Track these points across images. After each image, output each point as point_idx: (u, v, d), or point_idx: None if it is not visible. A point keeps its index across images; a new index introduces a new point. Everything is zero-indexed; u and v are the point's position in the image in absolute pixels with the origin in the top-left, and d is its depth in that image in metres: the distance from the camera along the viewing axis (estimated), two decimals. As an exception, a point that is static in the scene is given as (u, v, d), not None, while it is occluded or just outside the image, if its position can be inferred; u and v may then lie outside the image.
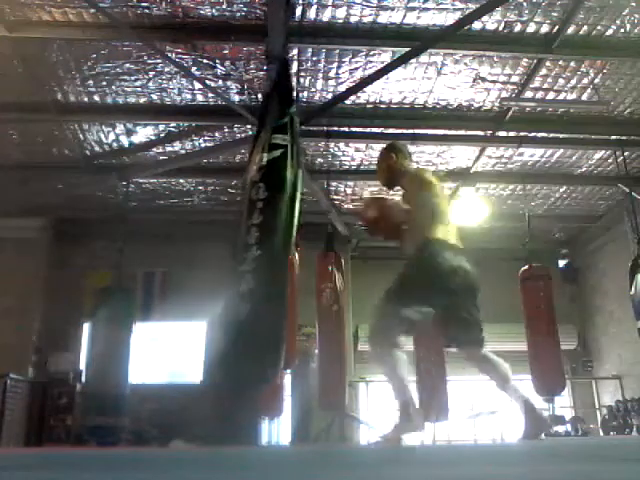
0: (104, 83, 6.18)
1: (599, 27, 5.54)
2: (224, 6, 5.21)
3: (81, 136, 7.13)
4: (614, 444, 3.58)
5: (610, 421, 8.95)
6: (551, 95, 6.51)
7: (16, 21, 5.26)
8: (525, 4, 5.25)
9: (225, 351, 3.83)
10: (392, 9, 5.27)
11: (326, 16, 5.35)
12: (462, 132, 7.08)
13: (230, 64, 5.94)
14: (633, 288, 6.54)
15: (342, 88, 6.25)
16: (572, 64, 6.04)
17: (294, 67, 5.93)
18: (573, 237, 10.37)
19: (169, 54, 5.70)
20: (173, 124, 6.97)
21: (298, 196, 4.09)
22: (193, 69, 5.94)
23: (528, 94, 6.46)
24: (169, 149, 7.44)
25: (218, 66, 5.96)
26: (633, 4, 5.25)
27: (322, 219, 7.85)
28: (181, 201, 8.82)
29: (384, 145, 4.06)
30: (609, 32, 5.59)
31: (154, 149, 7.46)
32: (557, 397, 7.64)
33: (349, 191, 8.64)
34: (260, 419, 7.68)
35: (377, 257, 10.20)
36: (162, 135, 7.17)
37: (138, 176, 7.70)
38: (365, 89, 6.18)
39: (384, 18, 5.38)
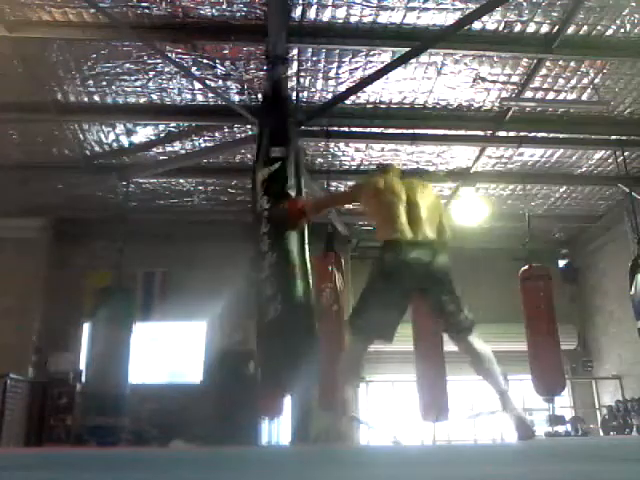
0: (104, 83, 6.18)
1: (599, 27, 5.54)
2: (224, 6, 5.21)
3: (81, 136, 7.13)
4: (614, 444, 3.58)
5: (610, 421, 8.95)
6: (551, 95, 6.51)
7: (16, 21, 5.26)
8: (525, 4, 5.25)
9: (262, 351, 4.13)
10: (392, 9, 5.27)
11: (326, 16, 5.35)
12: (462, 132, 7.08)
13: (230, 64, 5.94)
14: (633, 288, 6.54)
15: (342, 88, 6.25)
16: (572, 64, 6.04)
17: (294, 67, 5.94)
18: (573, 237, 10.37)
19: (169, 54, 5.70)
20: (173, 124, 6.97)
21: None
22: (193, 69, 5.94)
23: (528, 94, 6.46)
24: (169, 149, 7.44)
25: (218, 66, 5.96)
26: (633, 4, 5.25)
27: (322, 219, 7.84)
28: (181, 201, 8.83)
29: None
30: (609, 32, 5.60)
31: (154, 149, 7.46)
32: (557, 397, 7.64)
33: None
34: (260, 419, 7.69)
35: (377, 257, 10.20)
36: (162, 135, 7.17)
37: (138, 176, 7.70)
38: (365, 89, 6.18)
39: (384, 18, 5.38)
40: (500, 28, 5.54)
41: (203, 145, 7.35)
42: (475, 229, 8.34)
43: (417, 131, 6.91)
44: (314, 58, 5.86)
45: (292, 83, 6.16)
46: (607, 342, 9.85)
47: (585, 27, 5.55)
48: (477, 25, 5.44)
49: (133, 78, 6.12)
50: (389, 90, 6.36)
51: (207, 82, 6.08)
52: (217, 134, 7.15)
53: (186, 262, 8.86)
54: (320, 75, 6.11)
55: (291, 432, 6.91)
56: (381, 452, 3.16)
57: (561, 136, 7.23)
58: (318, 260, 6.68)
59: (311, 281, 4.28)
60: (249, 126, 6.82)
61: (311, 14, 5.32)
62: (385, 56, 5.81)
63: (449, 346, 6.44)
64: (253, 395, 7.15)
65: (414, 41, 5.43)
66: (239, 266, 8.13)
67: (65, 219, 9.05)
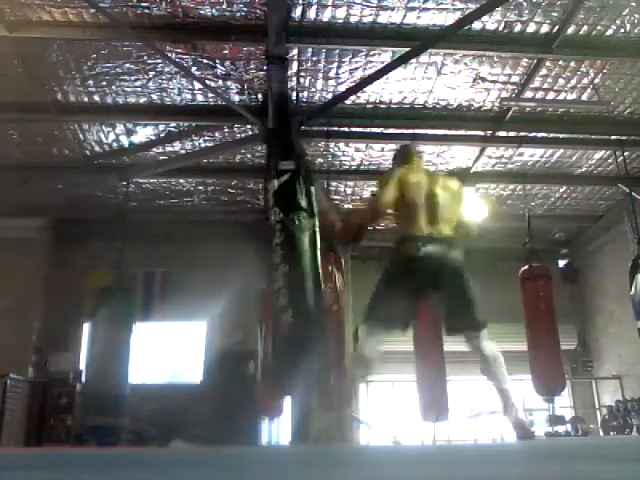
0: (104, 83, 6.18)
1: (599, 27, 5.54)
2: (224, 6, 5.21)
3: (81, 136, 7.13)
4: (614, 444, 3.58)
5: (610, 421, 8.95)
6: (551, 95, 6.51)
7: (16, 21, 5.26)
8: (525, 4, 5.25)
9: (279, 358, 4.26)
10: (392, 9, 5.27)
11: (326, 16, 5.35)
12: (462, 132, 7.08)
13: (230, 64, 5.93)
14: (633, 288, 6.54)
15: (342, 88, 6.25)
16: (572, 64, 6.04)
17: (294, 67, 5.94)
18: (573, 237, 10.37)
19: (169, 54, 5.70)
20: (173, 124, 6.97)
21: (315, 209, 4.48)
22: (193, 69, 5.94)
23: (528, 94, 6.46)
24: (169, 149, 7.44)
25: (218, 66, 5.96)
26: (633, 4, 5.25)
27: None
28: (181, 201, 8.82)
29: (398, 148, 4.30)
30: (609, 32, 5.60)
31: (154, 149, 7.45)
32: (557, 397, 7.64)
33: (349, 191, 8.64)
34: (260, 419, 7.69)
35: (377, 257, 10.20)
36: (162, 135, 7.17)
37: (138, 176, 7.70)
38: (365, 89, 6.18)
39: (384, 18, 5.38)
40: (500, 28, 5.54)
41: (203, 145, 7.35)
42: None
43: (417, 131, 6.91)
44: (314, 58, 5.86)
45: (292, 83, 6.16)
46: (607, 342, 9.85)
47: (585, 27, 5.55)
48: (477, 25, 5.44)
49: (133, 78, 6.12)
50: (389, 90, 6.36)
51: (207, 82, 6.08)
52: (217, 134, 7.15)
53: (186, 262, 8.86)
54: (320, 75, 6.11)
55: (291, 432, 6.92)
56: (381, 452, 3.16)
57: (561, 136, 7.23)
58: (318, 260, 6.68)
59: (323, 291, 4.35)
60: (249, 126, 6.82)
61: (311, 14, 5.32)
62: (385, 56, 5.80)
63: (449, 346, 6.47)
64: (253, 395, 7.15)
65: (414, 41, 5.43)
66: (239, 266, 8.15)
67: (65, 219, 9.05)
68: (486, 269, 9.78)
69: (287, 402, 6.07)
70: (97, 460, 2.45)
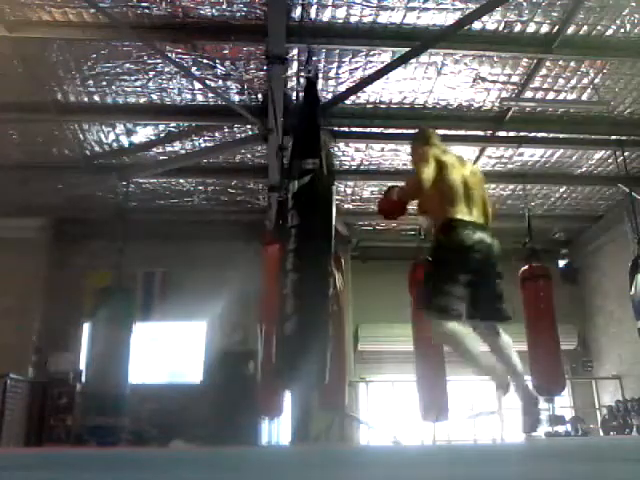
0: (104, 83, 6.18)
1: (599, 27, 5.54)
2: (224, 6, 5.21)
3: (81, 136, 7.13)
4: (614, 444, 3.58)
5: (610, 421, 8.95)
6: (551, 95, 6.51)
7: (16, 21, 5.26)
8: (525, 4, 5.25)
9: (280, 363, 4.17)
10: (392, 9, 5.27)
11: (326, 16, 5.35)
12: (462, 132, 7.08)
13: (230, 64, 5.93)
14: (633, 288, 6.54)
15: (342, 88, 6.24)
16: (572, 64, 6.04)
17: (294, 67, 5.94)
18: (573, 237, 10.36)
19: (169, 54, 5.70)
20: (173, 124, 6.97)
21: (333, 212, 4.31)
22: (193, 69, 5.94)
23: (528, 94, 6.46)
24: (169, 149, 7.43)
25: (218, 66, 5.96)
26: (633, 4, 5.25)
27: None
28: (181, 201, 8.82)
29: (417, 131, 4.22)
30: (609, 32, 5.59)
31: (154, 149, 7.45)
32: (557, 397, 7.64)
33: (349, 191, 8.64)
34: (260, 419, 7.69)
35: (377, 257, 10.21)
36: (162, 135, 7.17)
37: (138, 176, 7.70)
38: (365, 89, 6.18)
39: (384, 18, 5.38)
40: (500, 28, 5.54)
41: (203, 145, 7.35)
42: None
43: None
44: (314, 58, 5.86)
45: (292, 83, 6.17)
46: (607, 342, 9.85)
47: (585, 27, 5.55)
48: (477, 25, 5.43)
49: (133, 78, 6.12)
50: (389, 90, 6.36)
51: (207, 82, 6.08)
52: (217, 134, 7.15)
53: (186, 262, 8.86)
54: (320, 75, 6.10)
55: (291, 432, 6.92)
56: (381, 452, 3.16)
57: (561, 136, 7.23)
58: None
59: (331, 302, 4.27)
60: (249, 126, 6.82)
61: (311, 14, 5.32)
62: (385, 56, 5.80)
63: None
64: (253, 395, 7.15)
65: (414, 41, 5.43)
66: (239, 266, 8.15)
67: (65, 219, 9.05)
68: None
69: (287, 402, 6.06)
70: (97, 460, 2.45)
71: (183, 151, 7.46)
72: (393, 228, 9.89)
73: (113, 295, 6.64)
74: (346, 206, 8.99)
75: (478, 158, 7.71)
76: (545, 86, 6.36)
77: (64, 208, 8.77)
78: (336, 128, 6.80)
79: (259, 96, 6.40)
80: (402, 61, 5.54)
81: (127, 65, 5.91)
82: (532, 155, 7.70)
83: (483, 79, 6.22)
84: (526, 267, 7.08)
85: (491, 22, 5.44)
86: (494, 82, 6.28)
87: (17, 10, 5.17)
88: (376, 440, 8.98)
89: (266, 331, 5.82)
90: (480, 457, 2.38)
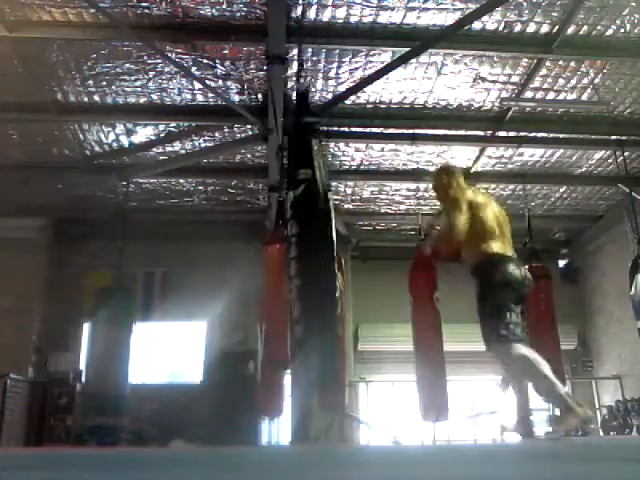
0: (104, 83, 6.18)
1: (599, 27, 5.54)
2: (224, 6, 5.21)
3: (81, 136, 7.13)
4: (614, 444, 3.58)
5: (610, 421, 8.95)
6: (551, 95, 6.51)
7: (16, 21, 5.26)
8: (525, 4, 5.25)
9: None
10: (392, 9, 5.27)
11: (326, 16, 5.35)
12: (462, 132, 7.08)
13: (230, 64, 5.93)
14: (633, 288, 6.53)
15: (342, 88, 6.25)
16: (572, 64, 6.04)
17: (294, 67, 5.94)
18: (573, 237, 10.37)
19: (169, 54, 5.70)
20: (173, 124, 6.97)
21: (331, 216, 4.52)
22: (193, 69, 5.94)
23: (528, 94, 6.46)
24: (169, 149, 7.44)
25: (218, 66, 5.96)
26: (633, 4, 5.25)
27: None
28: (181, 201, 8.82)
29: (438, 167, 4.68)
30: (609, 32, 5.60)
31: (154, 149, 7.45)
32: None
33: (349, 191, 8.64)
34: (260, 419, 7.69)
35: (377, 257, 10.21)
36: (162, 135, 7.17)
37: (138, 176, 7.70)
38: (365, 89, 6.18)
39: (384, 18, 5.38)
40: (500, 28, 5.54)
41: (203, 145, 7.35)
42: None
43: (417, 131, 6.91)
44: (314, 58, 5.86)
45: (292, 83, 6.16)
46: (607, 342, 9.85)
47: (585, 27, 5.55)
48: (477, 25, 5.44)
49: (133, 78, 6.12)
50: (389, 90, 6.36)
51: (207, 82, 6.08)
52: (217, 134, 7.15)
53: (186, 262, 8.86)
54: (320, 75, 6.11)
55: (291, 432, 6.92)
56: (381, 452, 3.16)
57: (561, 136, 7.23)
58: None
59: (338, 305, 4.38)
60: (249, 126, 6.82)
61: (311, 14, 5.32)
62: (385, 56, 5.80)
63: (449, 346, 6.47)
64: (253, 395, 7.15)
65: (414, 41, 5.43)
66: (239, 266, 8.15)
67: (65, 219, 9.05)
68: (486, 269, 9.81)
69: (287, 402, 6.06)
70: (97, 460, 2.45)
71: (183, 151, 7.46)
72: (393, 228, 9.90)
73: (113, 295, 6.64)
74: (346, 206, 9.00)
75: (478, 158, 7.71)
76: (545, 86, 6.36)
77: (64, 208, 8.77)
78: (336, 128, 6.80)
79: (259, 96, 6.40)
80: (402, 61, 5.55)
81: (127, 65, 5.91)
82: (532, 155, 7.70)
83: (483, 79, 6.22)
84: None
85: (491, 22, 5.44)
86: (494, 82, 6.28)
87: (17, 10, 5.18)
88: (376, 440, 8.98)
89: (266, 331, 5.82)
90: (480, 457, 2.38)
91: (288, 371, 6.71)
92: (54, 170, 7.71)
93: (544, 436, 4.05)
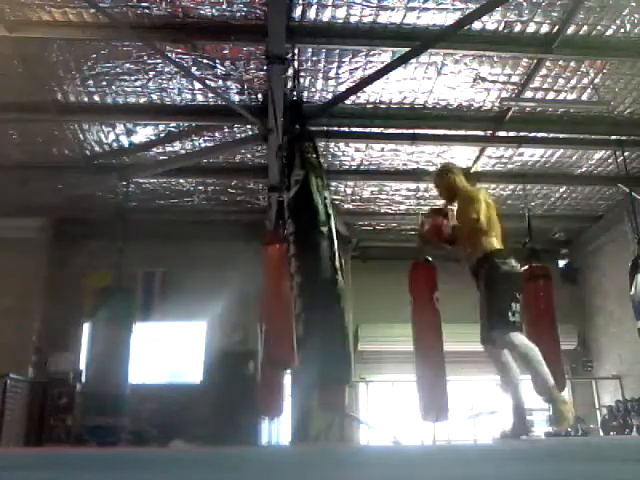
0: (104, 83, 6.18)
1: (599, 27, 5.54)
2: (224, 6, 5.21)
3: (81, 136, 7.13)
4: (614, 444, 3.59)
5: (610, 421, 8.95)
6: (551, 95, 6.51)
7: (16, 21, 5.26)
8: (525, 4, 5.25)
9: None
10: (392, 9, 5.27)
11: (326, 16, 5.35)
12: (462, 132, 7.08)
13: (230, 64, 5.93)
14: (633, 288, 6.53)
15: (342, 88, 6.24)
16: (572, 64, 6.04)
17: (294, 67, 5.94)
18: (573, 237, 10.37)
19: (169, 54, 5.70)
20: (173, 124, 6.97)
21: (330, 215, 4.58)
22: (193, 69, 5.94)
23: (528, 94, 6.46)
24: (169, 149, 7.43)
25: (218, 66, 5.96)
26: (633, 4, 5.25)
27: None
28: (181, 201, 8.82)
29: (439, 166, 4.89)
30: (609, 32, 5.60)
31: (154, 149, 7.45)
32: (557, 397, 7.60)
33: (349, 191, 8.64)
34: (260, 419, 7.69)
35: (377, 257, 10.21)
36: (162, 135, 7.17)
37: (138, 176, 7.70)
38: (365, 89, 6.18)
39: (384, 18, 5.38)
40: (500, 28, 5.54)
41: (203, 145, 7.35)
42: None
43: (417, 131, 6.91)
44: (314, 58, 5.86)
45: (292, 83, 6.16)
46: (607, 342, 9.85)
47: (585, 27, 5.55)
48: (477, 25, 5.44)
49: (133, 78, 6.12)
50: (389, 90, 6.36)
51: (207, 82, 6.08)
52: (217, 134, 7.15)
53: (186, 262, 8.86)
54: (320, 75, 6.11)
55: (291, 432, 6.93)
56: (381, 452, 3.16)
57: (561, 136, 7.23)
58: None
59: (342, 302, 4.42)
60: (249, 126, 6.82)
61: (311, 14, 5.32)
62: (385, 56, 5.80)
63: (449, 346, 6.47)
64: (253, 395, 7.15)
65: (414, 41, 5.43)
66: (239, 266, 8.15)
67: (65, 219, 9.05)
68: (486, 269, 9.80)
69: (287, 402, 6.07)
70: (97, 460, 2.45)
71: (183, 151, 7.46)
72: (393, 228, 9.90)
73: (113, 295, 6.64)
74: (346, 206, 8.99)
75: (478, 158, 7.71)
76: (545, 86, 6.36)
77: (64, 208, 8.77)
78: (336, 128, 6.80)
79: (259, 96, 6.40)
80: (402, 61, 5.55)
81: (127, 65, 5.91)
82: (532, 155, 7.70)
83: (483, 79, 6.22)
84: (526, 267, 7.07)
85: (491, 22, 5.44)
86: (494, 82, 6.28)
87: (17, 10, 5.18)
88: (376, 440, 8.98)
89: (266, 331, 5.82)
90: (480, 457, 2.38)
91: (288, 371, 6.73)
92: (54, 170, 7.71)
93: (544, 436, 4.15)
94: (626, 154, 7.28)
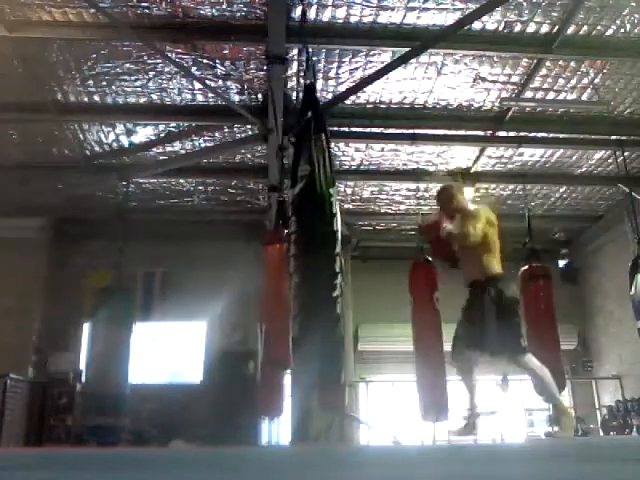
0: (104, 83, 6.18)
1: (599, 27, 5.54)
2: (224, 6, 5.21)
3: (81, 136, 7.13)
4: (614, 444, 3.59)
5: (610, 421, 8.95)
6: (551, 95, 6.51)
7: (16, 21, 5.26)
8: (525, 4, 5.25)
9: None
10: (392, 9, 5.27)
11: (326, 16, 5.35)
12: (462, 132, 7.08)
13: (230, 64, 5.93)
14: (633, 288, 6.53)
15: (342, 88, 6.24)
16: (572, 64, 6.04)
17: (294, 67, 5.94)
18: (573, 237, 10.37)
19: (169, 54, 5.70)
20: (173, 124, 6.97)
21: (333, 214, 4.46)
22: (193, 69, 5.94)
23: (528, 94, 6.46)
24: (169, 149, 7.43)
25: (218, 66, 5.96)
26: (633, 4, 5.25)
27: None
28: (181, 201, 8.82)
29: (441, 187, 4.82)
30: (609, 32, 5.59)
31: (154, 149, 7.45)
32: (557, 397, 7.60)
33: (349, 191, 8.64)
34: (260, 419, 7.69)
35: (377, 257, 10.21)
36: (162, 135, 7.17)
37: (138, 176, 7.70)
38: (365, 89, 6.18)
39: (384, 18, 5.38)
40: (500, 28, 5.54)
41: (203, 145, 7.35)
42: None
43: (417, 131, 6.91)
44: (314, 58, 5.85)
45: (292, 83, 6.17)
46: (607, 342, 9.85)
47: (585, 27, 5.55)
48: (477, 25, 5.43)
49: (133, 78, 6.12)
50: (389, 90, 6.36)
51: (207, 82, 6.08)
52: (217, 134, 7.14)
53: (186, 262, 8.86)
54: (320, 75, 6.11)
55: (291, 432, 6.93)
56: (381, 452, 3.16)
57: (561, 136, 7.23)
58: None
59: (338, 303, 4.35)
60: (249, 126, 6.82)
61: (311, 14, 5.31)
62: (385, 56, 5.80)
63: (449, 346, 6.47)
64: (253, 395, 7.15)
65: (414, 41, 5.43)
66: (239, 266, 8.15)
67: (65, 219, 9.05)
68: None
69: (287, 402, 6.07)
70: (97, 460, 2.45)
71: (183, 151, 7.46)
72: (393, 228, 9.90)
73: (113, 295, 6.64)
74: (346, 206, 8.98)
75: (478, 158, 7.71)
76: (545, 86, 6.36)
77: (64, 208, 8.77)
78: (336, 128, 6.79)
79: (259, 96, 6.40)
80: (402, 61, 5.54)
81: (127, 65, 5.91)
82: (532, 155, 7.70)
83: (483, 79, 6.22)
84: (526, 267, 7.07)
85: (491, 22, 5.44)
86: (494, 82, 6.27)
87: (17, 10, 5.17)
88: (376, 440, 8.98)
89: (266, 331, 5.82)
90: (480, 457, 2.38)
91: (288, 371, 6.73)
92: (54, 170, 7.71)
93: (544, 436, 4.24)
94: (626, 154, 7.28)
